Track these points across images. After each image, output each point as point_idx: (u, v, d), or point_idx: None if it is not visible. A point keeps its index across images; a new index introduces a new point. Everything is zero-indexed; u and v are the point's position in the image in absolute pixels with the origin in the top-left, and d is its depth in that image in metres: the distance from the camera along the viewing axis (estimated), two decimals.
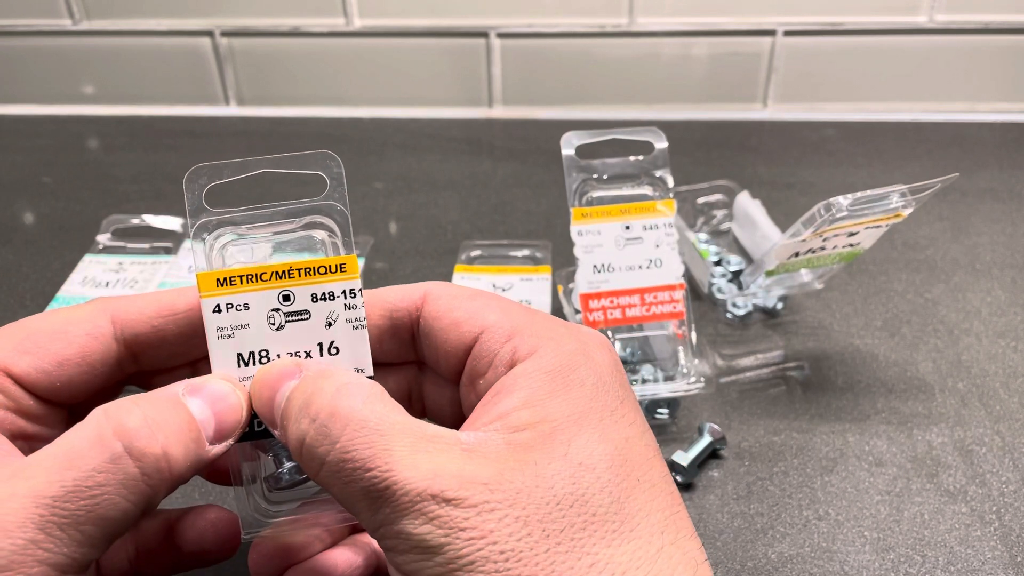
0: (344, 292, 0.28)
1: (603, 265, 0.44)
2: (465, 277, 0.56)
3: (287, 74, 0.81)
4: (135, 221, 0.61)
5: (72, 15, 0.79)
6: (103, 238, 0.60)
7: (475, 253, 0.59)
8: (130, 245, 0.59)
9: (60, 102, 0.83)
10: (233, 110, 0.82)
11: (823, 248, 0.46)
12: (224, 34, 0.79)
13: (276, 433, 0.27)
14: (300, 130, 0.78)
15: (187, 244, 0.58)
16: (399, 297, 0.29)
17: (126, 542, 0.30)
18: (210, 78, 0.81)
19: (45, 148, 0.76)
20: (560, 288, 0.52)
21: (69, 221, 0.65)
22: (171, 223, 0.60)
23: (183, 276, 0.55)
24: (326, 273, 0.28)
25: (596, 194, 0.45)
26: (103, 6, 0.78)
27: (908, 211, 0.43)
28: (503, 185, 0.69)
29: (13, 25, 0.79)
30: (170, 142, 0.76)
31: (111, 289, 0.55)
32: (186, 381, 0.27)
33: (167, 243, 0.59)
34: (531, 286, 0.55)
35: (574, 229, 0.45)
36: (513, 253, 0.58)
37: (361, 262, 0.59)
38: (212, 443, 0.26)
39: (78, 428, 0.24)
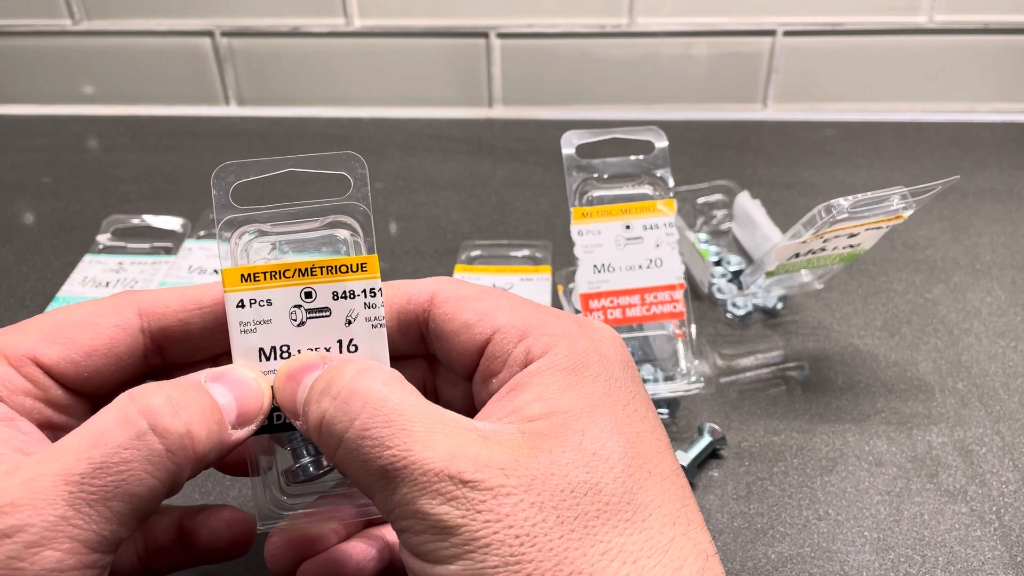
0: (364, 291, 0.28)
1: (603, 265, 0.44)
2: (465, 277, 0.56)
3: (287, 74, 0.81)
4: (135, 221, 0.61)
5: (72, 15, 0.79)
6: (103, 238, 0.60)
7: (475, 253, 0.59)
8: (130, 245, 0.59)
9: (60, 102, 0.83)
10: (233, 110, 0.83)
11: (823, 249, 0.46)
12: (224, 34, 0.79)
13: (297, 424, 0.27)
14: (300, 130, 0.78)
15: (187, 244, 0.58)
16: (406, 299, 0.30)
17: (135, 539, 0.30)
18: (210, 78, 0.81)
19: (45, 148, 0.76)
20: (560, 288, 0.52)
21: (69, 221, 0.65)
22: (171, 223, 0.60)
23: (183, 276, 0.55)
24: (347, 272, 0.28)
25: (596, 194, 0.45)
26: (103, 6, 0.78)
27: (908, 213, 0.43)
28: (503, 185, 0.69)
29: (13, 25, 0.79)
30: (170, 142, 0.76)
31: (111, 289, 0.55)
32: (208, 369, 0.27)
33: (167, 243, 0.59)
34: (531, 286, 0.55)
35: (574, 229, 0.45)
36: (513, 253, 0.58)
37: None
38: (234, 428, 0.26)
39: (104, 410, 0.24)
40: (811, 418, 0.46)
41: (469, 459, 0.23)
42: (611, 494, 0.24)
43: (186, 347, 0.30)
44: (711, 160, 0.72)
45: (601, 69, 0.78)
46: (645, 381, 0.45)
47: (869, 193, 0.42)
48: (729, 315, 0.53)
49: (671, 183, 0.45)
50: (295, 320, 0.28)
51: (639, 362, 0.46)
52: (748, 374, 0.49)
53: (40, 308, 0.55)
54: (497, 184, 0.69)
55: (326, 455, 0.26)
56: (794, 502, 0.41)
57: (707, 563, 0.24)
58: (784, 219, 0.57)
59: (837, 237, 0.45)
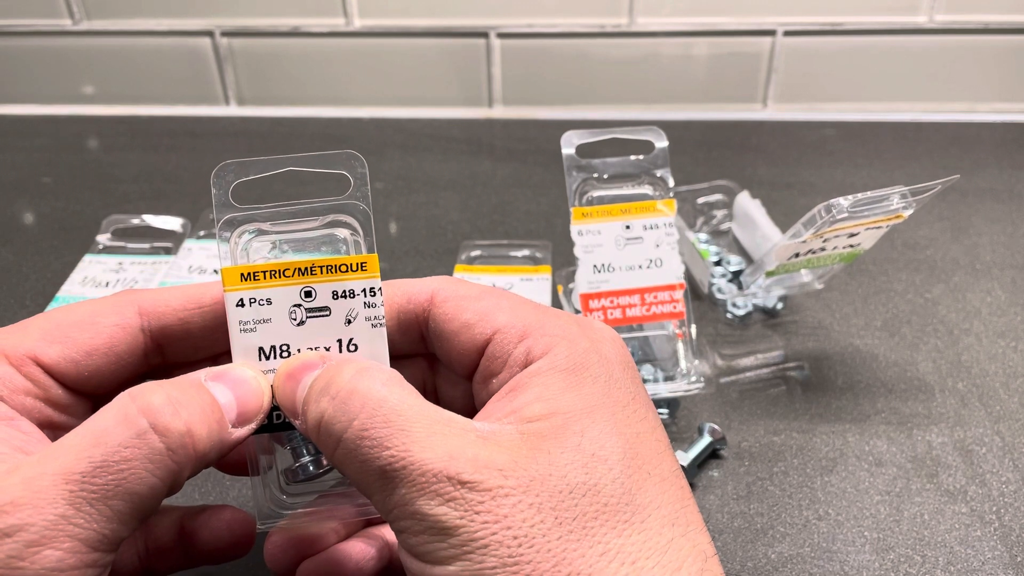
0: (364, 291, 0.29)
1: (603, 265, 0.44)
2: (465, 277, 0.56)
3: (287, 74, 0.81)
4: (135, 221, 0.61)
5: (72, 15, 0.79)
6: (103, 238, 0.60)
7: (475, 253, 0.59)
8: (130, 245, 0.59)
9: (60, 102, 0.83)
10: (233, 110, 0.83)
11: (823, 249, 0.46)
12: (224, 34, 0.79)
13: (296, 423, 0.27)
14: (300, 130, 0.78)
15: (187, 244, 0.58)
16: (406, 298, 0.30)
17: (136, 539, 0.30)
18: (210, 78, 0.81)
19: (45, 148, 0.76)
20: (560, 288, 0.52)
21: (69, 221, 0.65)
22: (171, 223, 0.60)
23: (183, 276, 0.55)
24: (347, 271, 0.28)
25: (596, 194, 0.45)
26: (103, 6, 0.78)
27: (908, 212, 0.43)
28: (503, 185, 0.69)
29: (13, 25, 0.79)
30: (170, 142, 0.76)
31: (111, 289, 0.55)
32: (208, 368, 0.27)
33: (167, 243, 0.59)
34: (531, 286, 0.55)
35: (574, 229, 0.45)
36: (513, 253, 0.58)
37: None
38: (234, 427, 0.26)
39: (104, 409, 0.24)
40: (811, 418, 0.46)
41: (468, 460, 0.23)
42: (610, 495, 0.24)
43: (186, 346, 0.30)
44: (711, 160, 0.72)
45: (601, 69, 0.78)
46: (645, 381, 0.45)
47: (869, 192, 0.42)
48: (729, 315, 0.53)
49: (671, 183, 0.45)
50: (295, 319, 0.28)
51: (639, 362, 0.46)
52: (748, 374, 0.49)
53: (40, 308, 0.55)
54: (497, 184, 0.69)
55: (325, 455, 0.26)
56: (794, 502, 0.41)
57: (706, 564, 0.24)
58: (784, 219, 0.57)
59: (837, 237, 0.45)
